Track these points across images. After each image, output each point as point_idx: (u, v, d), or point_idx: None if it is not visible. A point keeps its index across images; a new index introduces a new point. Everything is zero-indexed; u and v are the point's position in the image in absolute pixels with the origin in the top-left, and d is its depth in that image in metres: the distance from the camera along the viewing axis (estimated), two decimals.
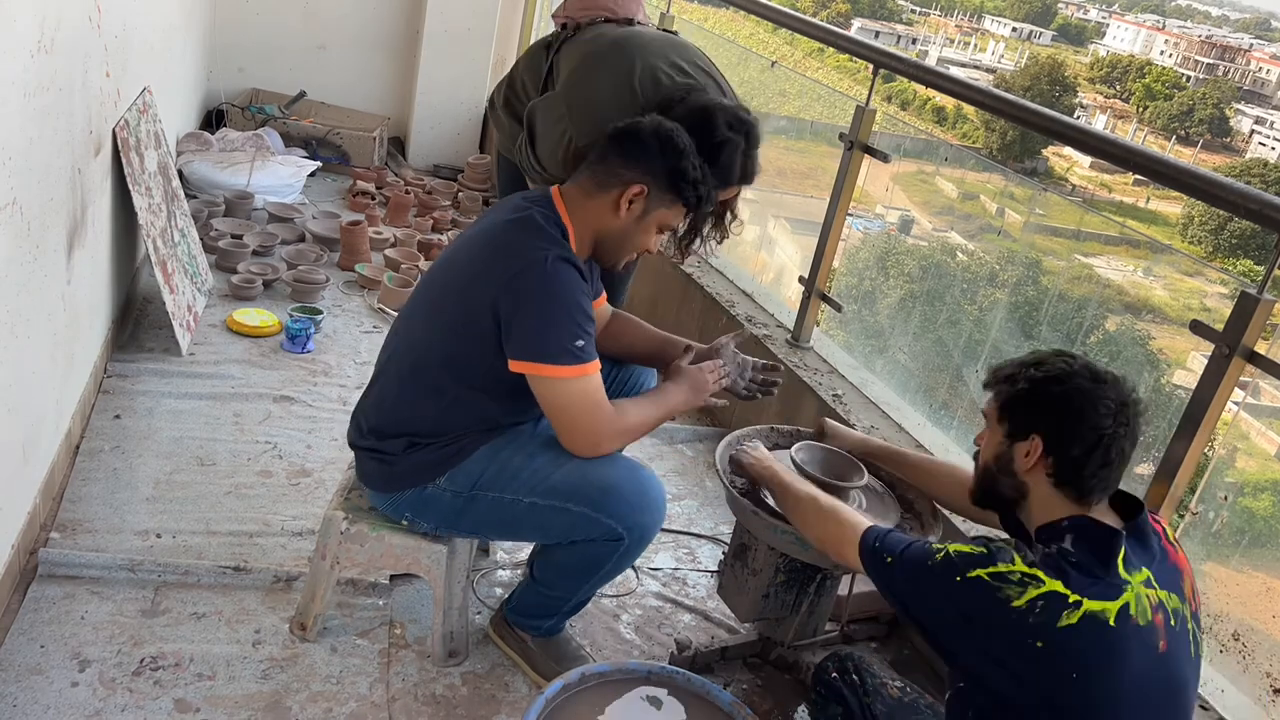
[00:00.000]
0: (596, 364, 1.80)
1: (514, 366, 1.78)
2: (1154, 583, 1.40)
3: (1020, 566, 1.37)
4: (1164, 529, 1.50)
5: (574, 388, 1.78)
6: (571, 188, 1.90)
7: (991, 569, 1.38)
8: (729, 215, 2.32)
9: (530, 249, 1.78)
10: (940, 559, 1.43)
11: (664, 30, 2.55)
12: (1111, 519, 1.45)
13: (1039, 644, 1.34)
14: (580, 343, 1.77)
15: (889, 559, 1.51)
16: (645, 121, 1.89)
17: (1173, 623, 1.41)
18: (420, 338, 1.88)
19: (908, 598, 1.49)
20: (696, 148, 1.93)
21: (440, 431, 1.88)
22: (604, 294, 2.14)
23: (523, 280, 1.76)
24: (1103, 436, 1.42)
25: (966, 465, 1.84)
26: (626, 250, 1.92)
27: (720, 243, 2.36)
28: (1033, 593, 1.35)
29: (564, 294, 1.77)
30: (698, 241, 2.29)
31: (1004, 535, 1.56)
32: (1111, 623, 1.34)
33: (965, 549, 1.42)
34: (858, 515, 1.69)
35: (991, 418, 1.54)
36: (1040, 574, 1.36)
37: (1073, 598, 1.34)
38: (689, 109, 2.10)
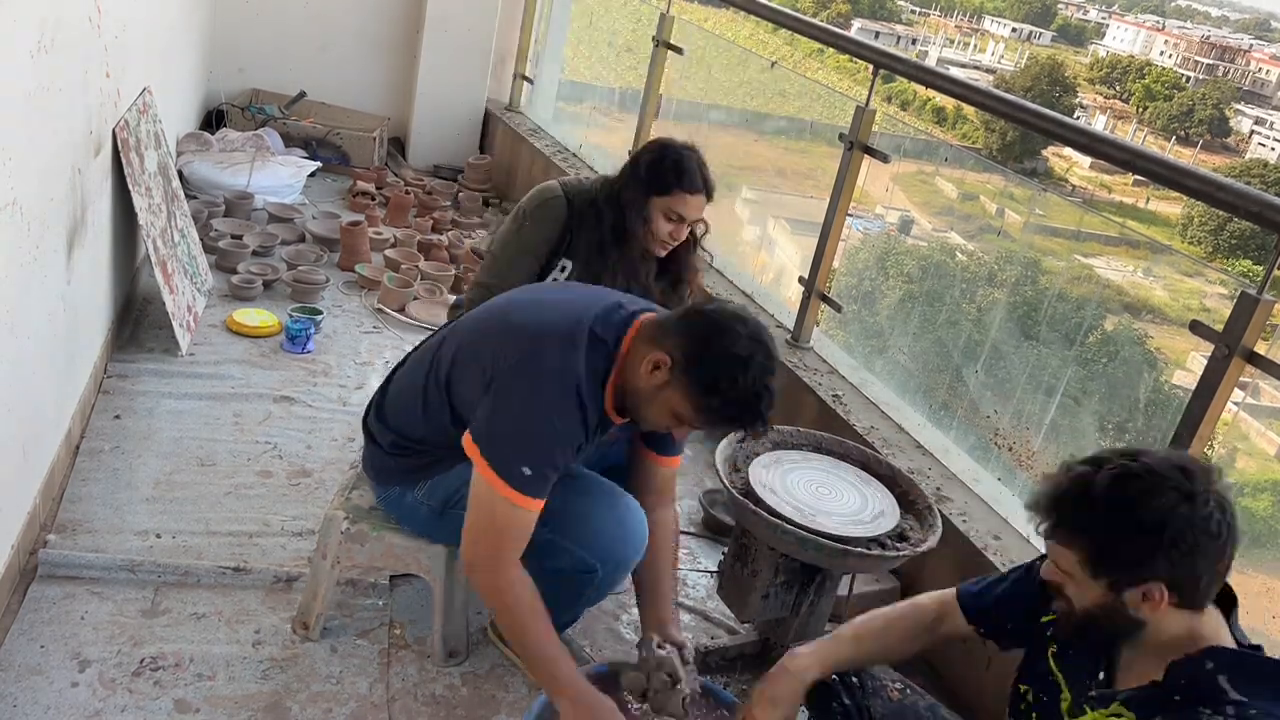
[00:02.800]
0: (534, 504, 1.65)
1: (465, 441, 1.68)
2: None
3: None
4: None
5: (497, 502, 1.64)
6: (653, 323, 1.72)
7: None
8: (692, 269, 2.43)
9: (556, 361, 1.66)
10: None
11: None
12: (1218, 619, 1.33)
13: None
14: (527, 471, 1.62)
15: None
16: (711, 305, 1.72)
17: None
18: (447, 363, 1.81)
19: None
20: (670, 172, 2.13)
21: (425, 442, 1.87)
22: (676, 457, 1.96)
23: (524, 381, 1.66)
24: (1223, 556, 1.26)
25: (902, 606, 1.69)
26: (641, 416, 1.73)
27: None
28: None
29: (546, 422, 1.64)
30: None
31: None
32: None
33: None
34: None
35: (1076, 573, 1.32)
36: None
37: None
38: (644, 148, 2.35)
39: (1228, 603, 1.36)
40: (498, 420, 1.66)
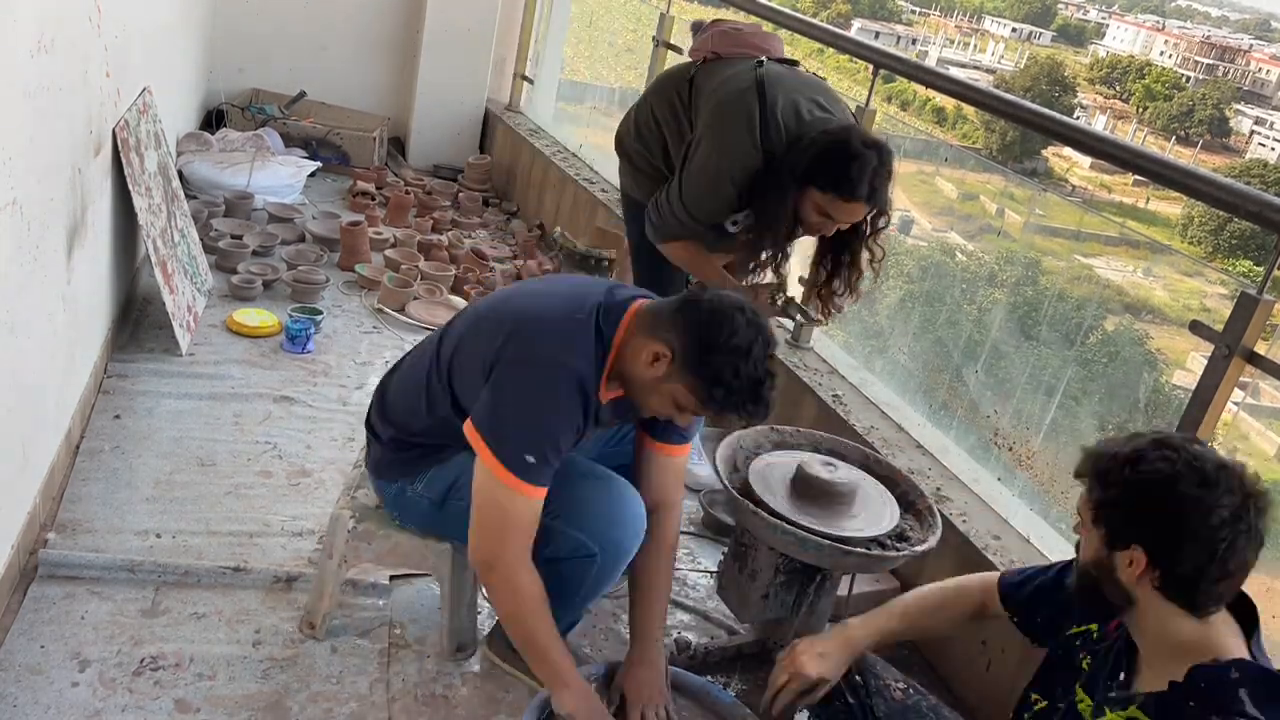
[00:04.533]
0: (538, 493, 1.67)
1: (467, 428, 1.69)
2: None
3: None
4: None
5: (500, 491, 1.65)
6: (647, 311, 1.73)
7: None
8: (866, 253, 2.37)
9: (557, 350, 1.67)
10: None
11: (801, 71, 2.54)
12: (1234, 634, 1.31)
13: None
14: (530, 459, 1.63)
15: None
16: (707, 295, 1.69)
17: None
18: (448, 354, 1.82)
19: None
20: (832, 171, 2.05)
21: (427, 435, 1.87)
22: (685, 445, 1.94)
23: (525, 369, 1.67)
24: (1217, 550, 1.24)
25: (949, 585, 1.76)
26: (642, 404, 1.74)
27: (852, 292, 2.46)
28: None
29: (548, 409, 1.65)
30: (838, 292, 2.45)
31: None
32: None
33: None
34: None
35: (1085, 518, 1.37)
36: None
37: None
38: (826, 132, 2.20)
39: (1249, 623, 1.34)
40: (500, 408, 1.66)
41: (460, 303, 3.66)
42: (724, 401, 1.64)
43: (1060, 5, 68.91)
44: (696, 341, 1.62)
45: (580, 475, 1.81)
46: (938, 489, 2.48)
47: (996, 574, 1.71)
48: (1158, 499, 1.27)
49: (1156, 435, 1.33)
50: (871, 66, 2.96)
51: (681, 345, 1.63)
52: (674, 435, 1.90)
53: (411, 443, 1.88)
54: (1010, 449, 2.61)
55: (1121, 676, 1.42)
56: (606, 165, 4.62)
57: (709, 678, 1.95)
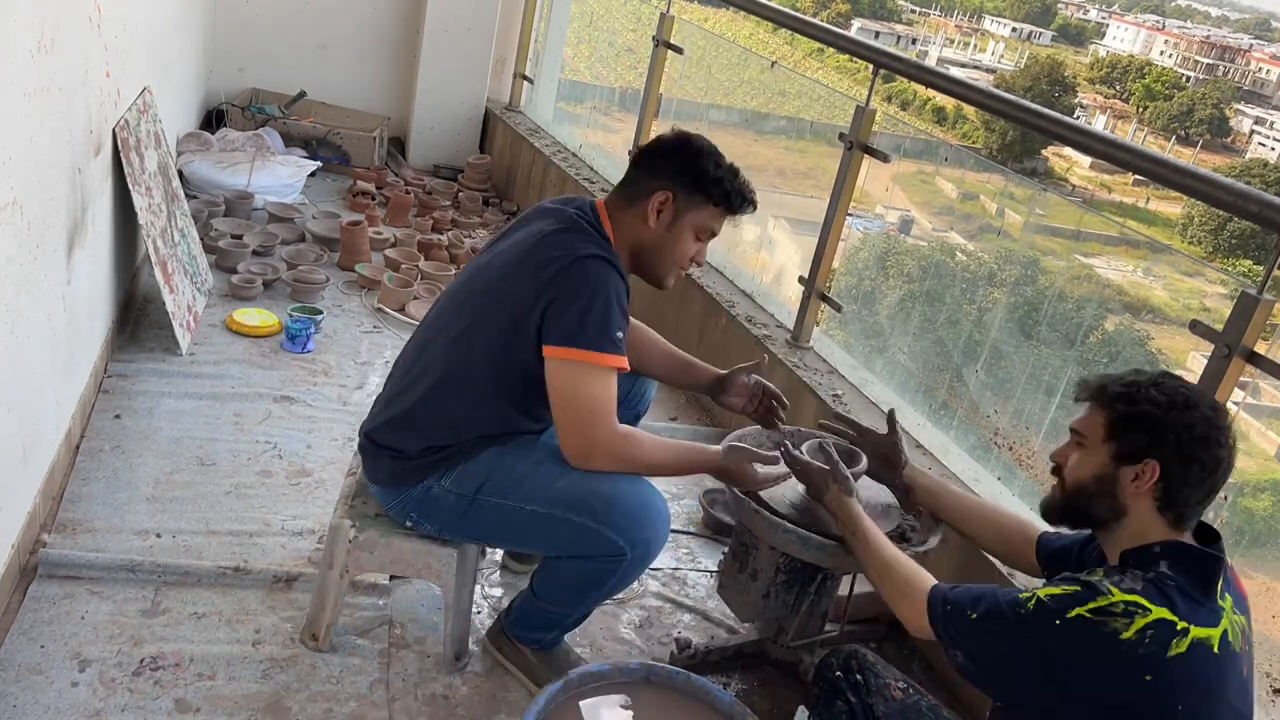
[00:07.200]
0: (624, 361, 1.80)
1: (548, 352, 1.77)
2: (1237, 609, 1.39)
3: (1120, 595, 1.32)
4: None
5: (596, 378, 1.76)
6: (611, 199, 1.94)
7: (1092, 604, 1.32)
8: None
9: (574, 247, 1.80)
10: (1033, 606, 1.37)
11: None
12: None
13: (1148, 677, 1.30)
14: (619, 334, 1.78)
15: (971, 614, 1.44)
16: (665, 134, 1.94)
17: (1249, 649, 1.40)
18: (463, 341, 1.85)
19: (990, 652, 1.44)
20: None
21: (460, 431, 1.86)
22: None
23: (567, 273, 1.77)
24: (1218, 469, 1.39)
25: (1010, 510, 1.94)
26: (668, 263, 1.93)
27: None
28: (1140, 622, 1.30)
29: (606, 288, 1.78)
30: None
31: (1081, 574, 1.43)
32: (1216, 650, 1.31)
33: (1057, 591, 1.37)
34: (923, 573, 1.64)
35: (1093, 436, 1.47)
36: (1144, 601, 1.31)
37: (1180, 624, 1.30)
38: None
39: (1211, 541, 1.45)
40: (573, 313, 1.76)
41: None
42: (730, 192, 1.88)
43: (1060, 5, 68.93)
44: (682, 164, 1.87)
45: (605, 474, 1.82)
46: None
47: (1038, 529, 1.81)
48: (1185, 420, 1.39)
49: (1162, 370, 1.48)
50: (871, 66, 2.96)
51: (675, 177, 1.87)
52: None
53: (445, 447, 1.87)
54: (1010, 449, 2.61)
55: None
56: (606, 165, 4.62)
57: (709, 678, 1.95)
